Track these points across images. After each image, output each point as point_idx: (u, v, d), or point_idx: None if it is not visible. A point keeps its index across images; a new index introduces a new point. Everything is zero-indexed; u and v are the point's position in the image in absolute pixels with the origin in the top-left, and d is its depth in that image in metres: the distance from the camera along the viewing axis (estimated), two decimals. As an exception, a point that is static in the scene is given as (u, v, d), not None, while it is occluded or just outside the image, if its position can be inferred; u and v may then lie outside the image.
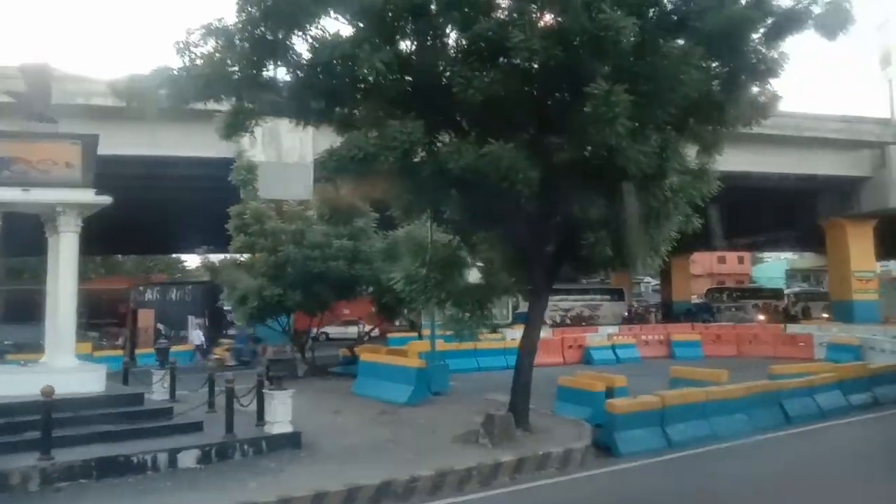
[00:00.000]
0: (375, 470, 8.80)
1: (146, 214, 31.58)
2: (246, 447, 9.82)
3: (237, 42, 9.81)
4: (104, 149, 11.77)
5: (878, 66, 35.60)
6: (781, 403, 12.55)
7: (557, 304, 42.90)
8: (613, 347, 24.19)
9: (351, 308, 24.51)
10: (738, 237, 47.14)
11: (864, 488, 8.65)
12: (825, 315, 37.10)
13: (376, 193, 11.05)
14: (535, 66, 8.95)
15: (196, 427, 10.39)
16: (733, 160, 29.93)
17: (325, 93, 10.07)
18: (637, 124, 8.66)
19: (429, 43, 9.88)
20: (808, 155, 32.36)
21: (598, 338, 25.93)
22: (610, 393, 12.01)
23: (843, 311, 34.50)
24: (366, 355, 16.52)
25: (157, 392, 14.24)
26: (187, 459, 9.28)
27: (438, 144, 10.27)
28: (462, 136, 10.11)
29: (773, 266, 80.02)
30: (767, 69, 9.56)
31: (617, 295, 46.07)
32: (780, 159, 31.66)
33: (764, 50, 9.94)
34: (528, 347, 11.40)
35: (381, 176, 10.18)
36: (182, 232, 34.56)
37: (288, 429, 10.24)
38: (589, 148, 9.10)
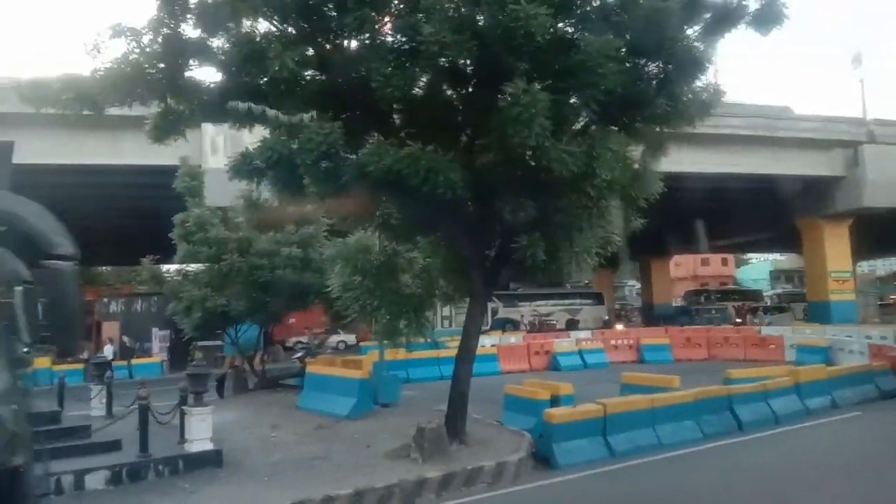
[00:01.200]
0: (292, 489, 8.42)
1: (102, 224, 31.28)
2: (161, 467, 9.42)
3: (150, 42, 9.46)
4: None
5: (850, 65, 35.79)
6: (733, 409, 12.24)
7: (537, 309, 42.74)
8: (581, 353, 23.89)
9: (303, 318, 24.00)
10: (717, 239, 47.16)
11: (810, 502, 8.39)
12: (766, 319, 36.83)
13: (305, 199, 10.63)
14: (452, 62, 8.64)
15: (114, 446, 9.97)
16: (708, 162, 30.43)
17: (247, 93, 9.75)
18: (557, 123, 8.36)
19: (348, 40, 9.56)
20: (782, 155, 32.41)
21: (565, 343, 25.64)
22: (555, 401, 11.64)
23: (821, 312, 34.49)
24: (312, 367, 16.11)
25: (95, 408, 13.84)
26: (95, 481, 8.89)
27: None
28: (391, 138, 9.80)
29: (758, 267, 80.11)
30: (696, 65, 9.28)
31: (597, 299, 45.89)
32: (754, 160, 31.67)
33: (701, 46, 9.71)
34: (464, 355, 11.05)
35: (307, 180, 9.86)
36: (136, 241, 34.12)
37: (208, 446, 9.84)
38: (512, 149, 8.79)
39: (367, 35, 9.20)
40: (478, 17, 8.68)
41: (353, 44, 9.46)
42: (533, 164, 8.86)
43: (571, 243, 9.84)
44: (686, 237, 44.20)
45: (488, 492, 8.99)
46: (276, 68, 8.53)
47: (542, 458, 10.19)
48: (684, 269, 71.03)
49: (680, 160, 30.18)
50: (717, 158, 30.49)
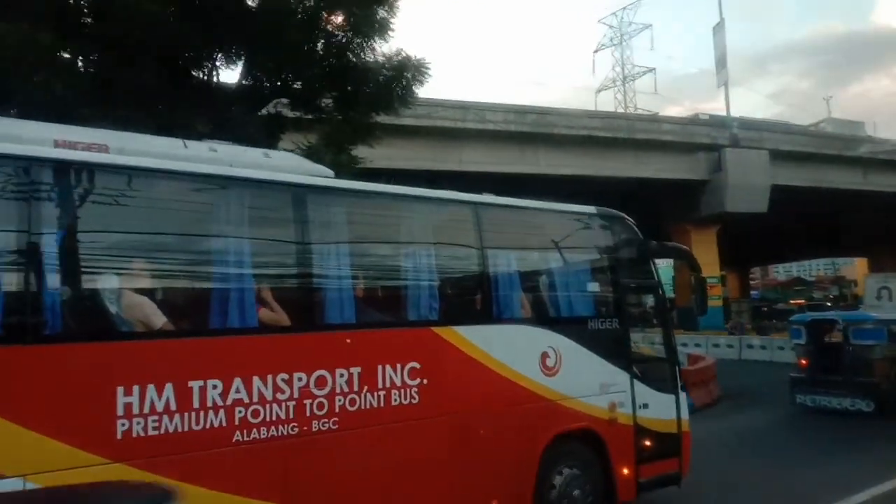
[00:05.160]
0: None
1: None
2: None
3: None
4: None
5: (715, 69, 36.83)
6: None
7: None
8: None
9: None
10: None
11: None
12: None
13: None
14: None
15: None
16: (566, 164, 30.60)
17: None
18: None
19: None
20: (645, 158, 32.88)
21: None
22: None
23: (689, 318, 35.03)
24: None
25: None
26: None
27: None
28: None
29: (662, 272, 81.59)
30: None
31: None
32: (616, 163, 31.98)
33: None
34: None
35: None
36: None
37: None
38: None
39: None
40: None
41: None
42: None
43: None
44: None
45: None
46: None
47: None
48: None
49: (536, 161, 30.48)
50: (575, 161, 30.72)
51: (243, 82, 9.47)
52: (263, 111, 9.76)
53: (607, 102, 61.30)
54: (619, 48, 62.11)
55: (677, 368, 7.85)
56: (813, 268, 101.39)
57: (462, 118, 27.90)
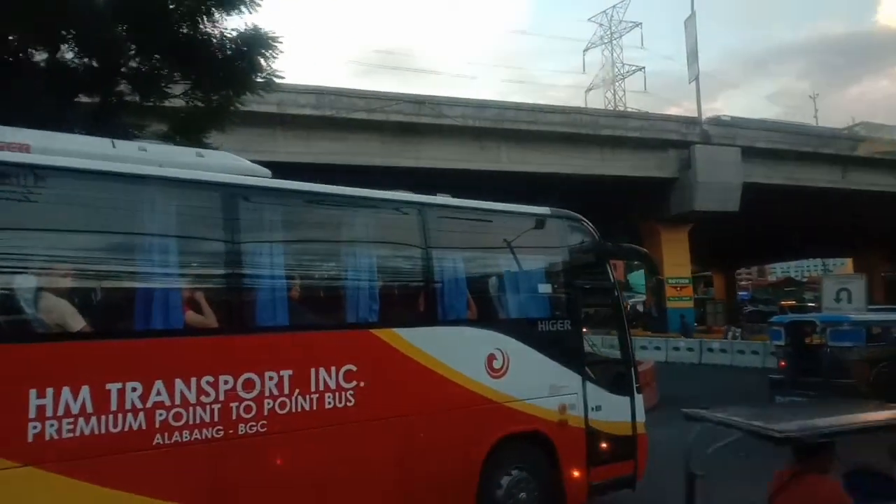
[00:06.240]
0: None
1: None
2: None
3: None
4: None
5: (686, 63, 37.54)
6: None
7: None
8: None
9: None
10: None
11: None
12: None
13: None
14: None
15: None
16: (529, 161, 30.79)
17: None
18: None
19: None
20: (612, 156, 33.17)
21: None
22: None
23: (659, 320, 35.50)
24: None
25: None
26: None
27: None
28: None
29: (635, 276, 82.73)
30: None
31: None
32: (582, 161, 32.15)
33: None
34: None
35: None
36: None
37: None
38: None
39: None
40: None
41: None
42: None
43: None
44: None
45: None
46: None
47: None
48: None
49: (498, 158, 30.71)
50: (539, 158, 30.96)
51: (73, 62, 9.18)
52: (96, 97, 9.48)
53: (597, 102, 62.04)
54: (608, 46, 63.22)
55: (633, 370, 8.04)
56: (810, 268, 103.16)
57: (417, 112, 27.96)
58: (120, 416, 4.45)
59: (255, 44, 9.55)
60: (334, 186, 6.10)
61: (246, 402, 4.97)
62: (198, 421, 4.75)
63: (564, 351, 7.27)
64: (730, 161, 33.89)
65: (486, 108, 30.33)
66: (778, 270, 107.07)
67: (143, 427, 4.53)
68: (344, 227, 6.31)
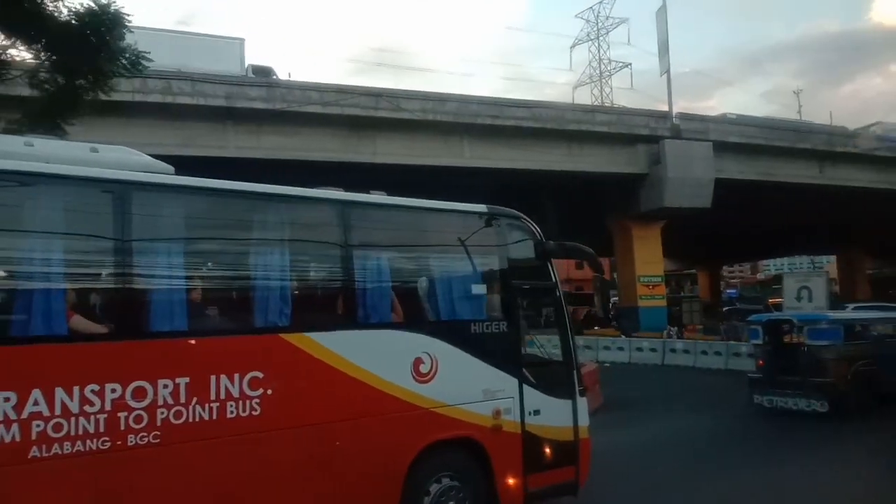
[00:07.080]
0: None
1: None
2: None
3: None
4: None
5: (657, 56, 37.82)
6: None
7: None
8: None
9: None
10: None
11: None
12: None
13: None
14: None
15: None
16: (493, 157, 30.79)
17: None
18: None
19: None
20: (580, 151, 33.28)
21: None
22: None
23: (630, 318, 35.76)
24: None
25: None
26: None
27: None
28: None
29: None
30: None
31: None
32: (549, 156, 32.14)
33: None
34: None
35: None
36: None
37: None
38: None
39: None
40: None
41: None
42: None
43: None
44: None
45: None
46: None
47: None
48: (561, 272, 72.62)
49: (461, 153, 30.70)
50: (504, 153, 30.95)
51: None
52: None
53: (585, 99, 62.46)
54: (595, 43, 63.88)
55: (575, 372, 8.04)
56: (802, 265, 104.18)
57: (374, 106, 27.85)
58: None
59: (98, 20, 9.31)
60: (242, 183, 6.00)
61: (136, 412, 4.88)
62: (80, 432, 4.64)
63: (500, 353, 7.25)
64: (701, 156, 34.17)
65: (447, 101, 30.33)
66: (772, 268, 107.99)
67: (18, 439, 4.42)
68: (254, 226, 6.20)
